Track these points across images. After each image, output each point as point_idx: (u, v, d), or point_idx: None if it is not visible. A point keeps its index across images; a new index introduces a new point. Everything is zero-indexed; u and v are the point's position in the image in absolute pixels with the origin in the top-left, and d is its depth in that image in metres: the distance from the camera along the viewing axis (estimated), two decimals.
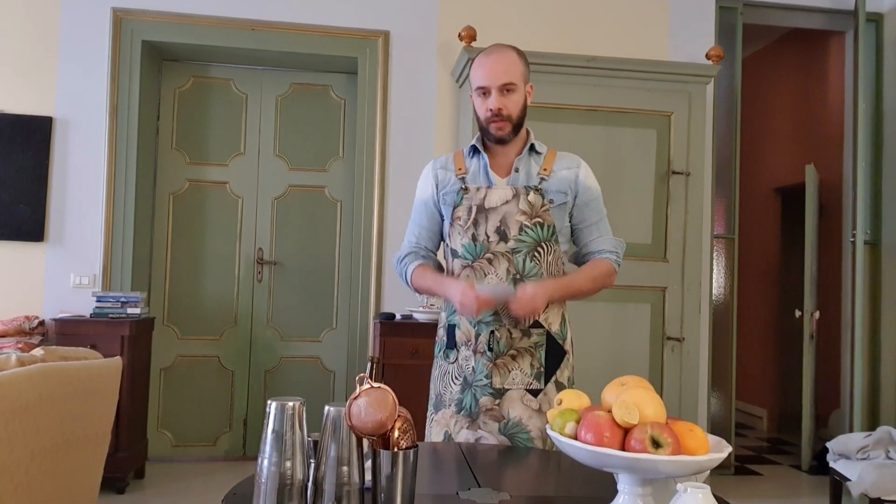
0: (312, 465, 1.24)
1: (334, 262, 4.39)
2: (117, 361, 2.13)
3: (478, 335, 1.84)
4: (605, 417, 1.15)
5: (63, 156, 3.91)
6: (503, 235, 1.84)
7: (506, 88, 1.87)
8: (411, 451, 1.18)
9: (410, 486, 1.18)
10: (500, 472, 1.64)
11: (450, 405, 1.87)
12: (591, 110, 3.67)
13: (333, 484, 1.18)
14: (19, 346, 3.38)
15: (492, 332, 1.82)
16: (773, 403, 5.94)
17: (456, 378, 1.87)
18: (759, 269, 6.10)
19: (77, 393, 1.87)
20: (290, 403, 1.19)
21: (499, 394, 1.81)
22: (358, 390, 1.20)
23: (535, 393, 1.82)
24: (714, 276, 4.36)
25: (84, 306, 3.76)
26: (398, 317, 3.77)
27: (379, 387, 1.20)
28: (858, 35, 4.37)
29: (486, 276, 1.84)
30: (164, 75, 4.29)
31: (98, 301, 3.60)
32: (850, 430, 4.07)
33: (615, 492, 1.19)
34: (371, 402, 1.18)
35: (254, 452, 4.14)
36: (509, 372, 1.81)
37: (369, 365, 3.80)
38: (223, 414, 4.28)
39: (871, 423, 4.27)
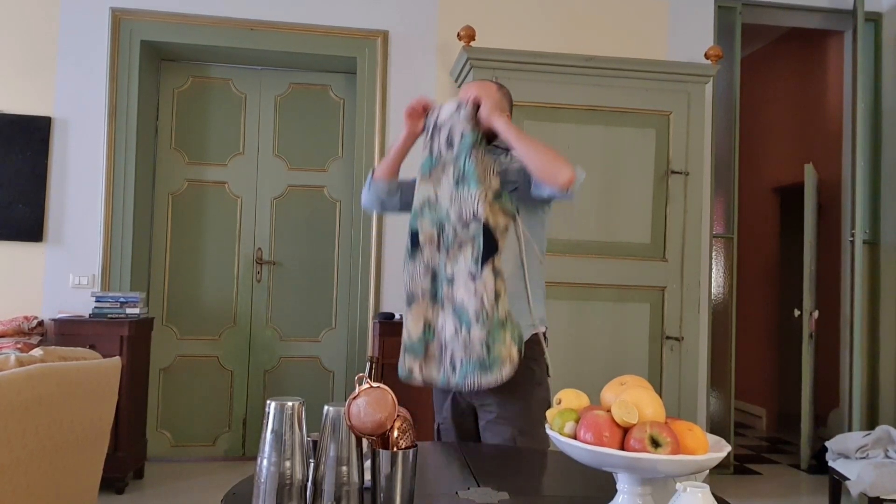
0: (312, 464, 1.24)
1: (333, 262, 4.39)
2: (116, 361, 2.13)
3: (438, 234, 2.05)
4: (605, 417, 1.15)
5: (62, 156, 3.91)
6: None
7: None
8: (410, 450, 1.18)
9: (410, 485, 1.18)
10: (500, 471, 1.65)
11: (423, 297, 2.06)
12: (590, 110, 3.67)
13: (333, 484, 1.19)
14: (18, 346, 3.38)
15: (442, 227, 2.03)
16: (773, 403, 5.95)
17: (424, 273, 2.07)
18: (759, 268, 6.10)
19: (76, 393, 1.87)
20: (290, 403, 1.19)
21: (451, 281, 2.00)
22: (357, 390, 1.20)
23: (473, 277, 1.98)
24: (713, 275, 4.36)
25: (83, 306, 3.76)
26: (397, 316, 3.77)
27: (378, 387, 1.20)
28: (857, 34, 4.37)
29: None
30: (163, 75, 4.29)
31: (97, 301, 3.60)
32: (849, 430, 4.07)
33: (615, 491, 1.19)
34: (370, 402, 1.18)
35: (253, 452, 4.13)
36: (457, 262, 2.00)
37: (368, 365, 3.79)
38: (222, 414, 4.28)
39: (870, 423, 4.28)
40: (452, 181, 2.03)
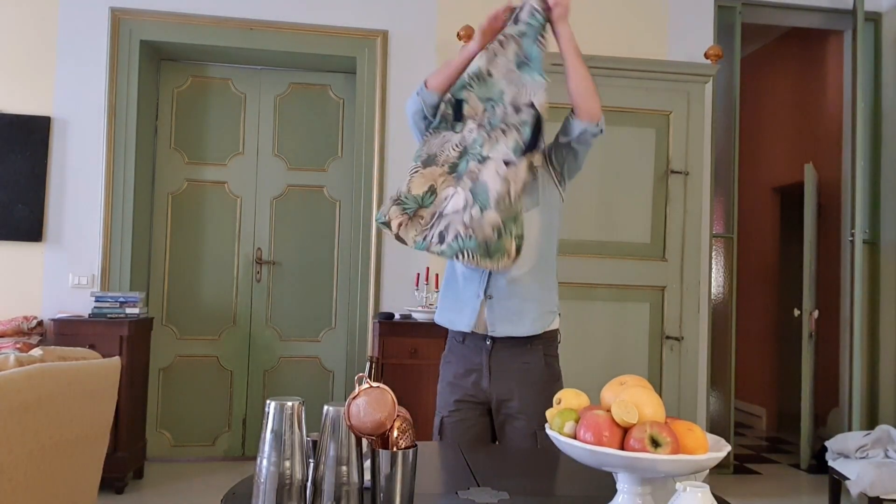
0: (311, 464, 1.23)
1: (333, 262, 4.39)
2: (116, 361, 2.13)
3: (485, 110, 2.02)
4: (605, 417, 1.15)
5: (61, 156, 3.91)
6: None
7: None
8: (410, 450, 1.18)
9: (410, 485, 1.18)
10: (500, 471, 1.65)
11: (443, 165, 2.02)
12: None
13: (332, 484, 1.18)
14: (18, 346, 3.37)
15: (491, 106, 2.01)
16: (772, 402, 5.95)
17: (457, 146, 2.03)
18: (758, 268, 6.10)
19: (76, 393, 1.86)
20: (289, 403, 1.19)
21: (483, 160, 1.96)
22: (357, 390, 1.20)
23: (508, 164, 1.95)
24: (713, 275, 4.36)
25: (83, 306, 3.76)
26: (397, 316, 3.77)
27: (378, 386, 1.20)
28: (857, 34, 4.37)
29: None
30: (163, 75, 4.29)
31: (97, 301, 3.60)
32: (849, 429, 4.07)
33: (614, 491, 1.19)
34: (370, 402, 1.18)
35: (253, 452, 4.13)
36: (497, 145, 1.97)
37: (368, 364, 3.80)
38: (222, 414, 4.28)
39: (870, 422, 4.28)
40: (513, 60, 2.01)
